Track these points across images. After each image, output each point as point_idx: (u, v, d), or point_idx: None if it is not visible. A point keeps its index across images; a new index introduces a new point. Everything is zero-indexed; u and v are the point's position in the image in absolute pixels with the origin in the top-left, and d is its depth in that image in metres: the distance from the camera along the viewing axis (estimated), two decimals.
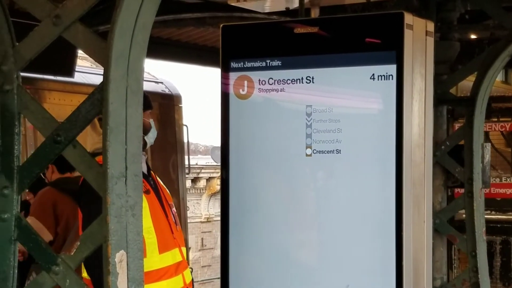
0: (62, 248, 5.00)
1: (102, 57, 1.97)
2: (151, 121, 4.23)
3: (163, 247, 4.03)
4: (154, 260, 3.98)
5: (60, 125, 2.05)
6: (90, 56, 2.06)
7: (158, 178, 4.38)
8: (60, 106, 7.25)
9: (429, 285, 3.43)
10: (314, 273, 3.31)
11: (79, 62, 7.85)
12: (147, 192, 4.05)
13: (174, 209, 4.33)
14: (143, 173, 4.12)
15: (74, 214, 5.02)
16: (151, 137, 4.21)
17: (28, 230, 2.12)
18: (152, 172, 4.33)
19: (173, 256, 4.09)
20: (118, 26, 1.94)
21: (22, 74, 2.15)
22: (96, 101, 2.00)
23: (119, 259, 1.97)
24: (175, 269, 4.09)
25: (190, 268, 4.40)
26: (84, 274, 3.89)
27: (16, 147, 2.13)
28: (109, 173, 1.96)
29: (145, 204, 3.95)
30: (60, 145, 2.05)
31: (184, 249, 4.26)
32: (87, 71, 8.34)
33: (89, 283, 3.78)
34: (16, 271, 2.14)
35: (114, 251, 1.97)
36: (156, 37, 7.97)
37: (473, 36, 6.93)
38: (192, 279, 4.36)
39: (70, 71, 7.18)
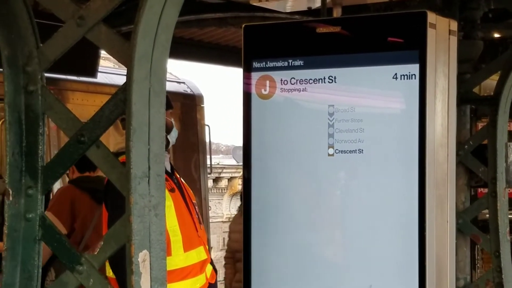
0: (80, 244, 5.09)
1: (125, 58, 1.98)
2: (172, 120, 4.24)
3: (188, 246, 4.04)
4: (180, 258, 3.99)
5: (83, 125, 2.06)
6: (113, 57, 2.07)
7: (180, 177, 4.40)
8: (83, 107, 7.29)
9: (452, 285, 3.41)
10: (337, 273, 3.30)
11: (101, 62, 7.88)
12: (172, 190, 4.06)
13: (197, 207, 4.35)
14: (167, 172, 4.13)
15: (91, 211, 5.11)
16: (173, 136, 4.22)
17: (53, 229, 2.13)
18: (175, 171, 4.35)
19: (198, 254, 4.10)
20: (141, 26, 1.95)
21: (46, 74, 2.17)
22: (119, 101, 2.01)
23: (142, 259, 1.98)
24: (200, 267, 4.10)
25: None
26: (109, 273, 3.91)
27: (40, 147, 2.14)
28: (132, 173, 1.97)
29: (170, 202, 3.97)
30: (84, 145, 2.06)
31: (207, 247, 4.28)
32: (109, 71, 8.38)
33: (114, 282, 3.80)
34: (41, 271, 2.16)
35: (137, 250, 1.98)
36: (178, 37, 7.99)
37: (496, 35, 6.87)
38: (215, 271, 4.34)
39: (93, 72, 7.22)
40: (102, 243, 2.05)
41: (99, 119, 2.04)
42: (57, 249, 2.11)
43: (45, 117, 2.14)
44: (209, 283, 4.18)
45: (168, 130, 4.04)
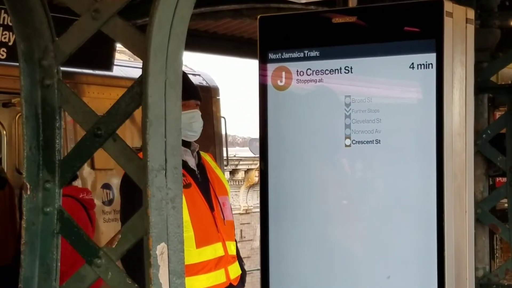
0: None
1: (140, 50, 1.97)
2: (194, 112, 4.17)
3: (202, 242, 4.01)
4: (191, 254, 3.96)
5: (100, 119, 2.06)
6: (129, 50, 2.07)
7: (216, 170, 4.34)
8: (99, 100, 7.30)
9: (471, 276, 3.40)
10: (355, 264, 3.29)
11: (117, 55, 7.89)
12: (186, 186, 4.03)
13: (226, 202, 4.27)
14: (188, 167, 4.11)
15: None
16: (198, 128, 4.16)
17: (71, 223, 2.14)
18: (206, 163, 4.29)
19: (214, 250, 4.06)
20: (157, 19, 1.94)
21: (62, 68, 2.17)
22: (135, 94, 2.01)
23: (160, 252, 1.98)
24: (215, 264, 4.06)
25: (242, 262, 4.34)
26: None
27: (57, 141, 2.15)
28: (149, 166, 1.96)
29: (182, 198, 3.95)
30: (101, 139, 2.06)
31: (231, 244, 4.20)
32: (125, 64, 8.38)
33: None
34: (59, 264, 2.17)
35: (155, 243, 1.98)
36: (193, 29, 7.98)
37: None
38: (244, 273, 4.30)
39: (108, 65, 7.23)
40: (120, 236, 2.05)
41: (115, 112, 2.04)
42: (75, 243, 2.11)
43: (61, 111, 2.14)
44: (230, 283, 4.14)
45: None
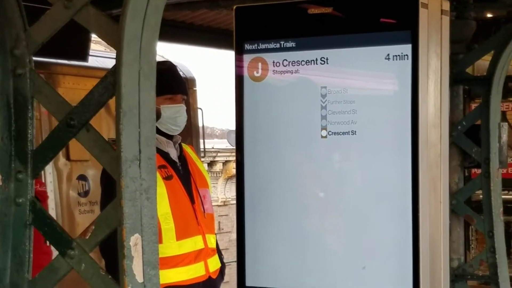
0: None
1: (114, 40, 1.96)
2: (180, 107, 4.13)
3: (182, 234, 4.00)
4: (172, 246, 3.95)
5: (73, 109, 2.04)
6: (102, 39, 2.05)
7: (197, 163, 4.32)
8: (75, 91, 7.25)
9: (446, 266, 3.42)
10: (330, 255, 3.30)
11: (93, 46, 7.83)
12: (168, 178, 4.02)
13: (207, 195, 4.25)
14: (170, 159, 4.09)
15: None
16: (181, 122, 4.14)
17: (43, 214, 2.12)
18: (188, 155, 4.28)
19: (194, 243, 4.05)
20: (130, 8, 1.92)
21: (36, 58, 2.14)
22: (108, 84, 1.99)
23: (134, 243, 1.97)
24: (195, 257, 4.04)
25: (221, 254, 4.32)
26: None
27: (29, 131, 2.12)
28: (123, 157, 1.95)
29: (163, 190, 3.92)
30: (74, 129, 2.04)
31: (211, 237, 4.19)
32: (101, 55, 8.33)
33: None
34: (32, 256, 2.15)
35: (129, 234, 1.96)
36: (170, 20, 7.94)
37: (489, 15, 6.85)
38: (223, 266, 4.29)
39: (84, 56, 7.17)
40: (93, 227, 2.04)
41: (88, 102, 2.02)
42: (48, 234, 2.09)
43: (34, 101, 2.12)
44: (209, 276, 4.13)
45: (156, 117, 3.93)
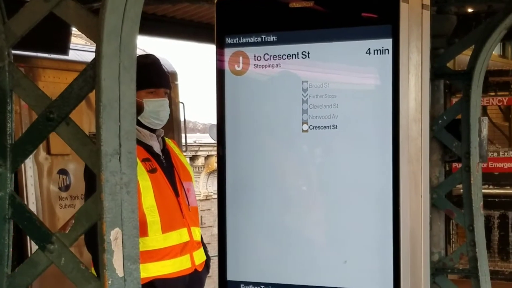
0: None
1: (93, 33, 1.95)
2: (162, 101, 4.12)
3: (167, 227, 3.99)
4: (157, 239, 3.95)
5: (52, 102, 2.03)
6: (82, 32, 2.04)
7: (180, 156, 4.32)
8: (55, 84, 7.21)
9: (427, 260, 3.43)
10: (312, 249, 3.30)
11: (73, 40, 7.79)
12: (152, 171, 4.01)
13: (191, 188, 4.25)
14: (154, 152, 4.08)
15: None
16: (164, 117, 4.13)
17: (23, 208, 2.11)
18: (171, 149, 4.27)
19: (180, 236, 4.05)
20: (110, 1, 1.91)
21: (16, 52, 2.13)
22: (88, 77, 1.98)
23: (114, 237, 1.96)
24: (181, 249, 4.04)
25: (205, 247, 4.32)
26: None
27: (8, 124, 2.11)
28: (103, 151, 1.94)
29: (148, 183, 3.92)
30: (53, 123, 2.03)
31: (196, 229, 4.19)
32: (81, 48, 8.29)
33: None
34: (11, 250, 2.13)
35: (109, 228, 1.96)
36: (151, 13, 7.92)
37: (470, 10, 6.88)
38: (208, 259, 4.29)
39: (64, 49, 7.14)
40: (73, 221, 2.03)
41: (68, 95, 2.01)
42: (28, 228, 2.08)
43: (13, 94, 2.11)
44: (195, 269, 4.13)
45: (139, 110, 3.93)
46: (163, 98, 4.10)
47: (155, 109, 4.04)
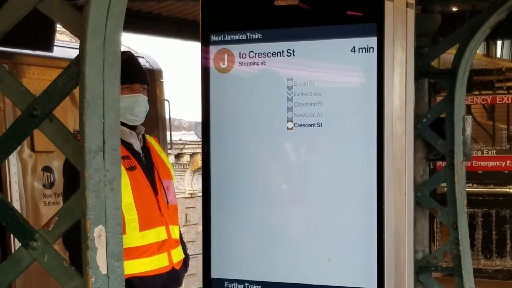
0: None
1: (78, 30, 1.94)
2: (137, 96, 4.11)
3: (145, 225, 3.98)
4: (135, 237, 3.93)
5: (36, 99, 2.01)
6: (66, 29, 2.03)
7: (161, 154, 4.30)
8: (40, 81, 7.18)
9: (411, 258, 3.44)
10: (297, 247, 3.31)
11: (58, 36, 7.76)
12: (131, 169, 3.99)
13: (170, 186, 4.23)
14: (134, 149, 4.06)
15: None
16: (141, 113, 4.11)
17: (5, 205, 2.09)
18: (151, 146, 4.25)
19: (157, 234, 4.04)
20: None
21: (0, 48, 2.11)
22: (72, 74, 1.97)
23: (97, 234, 1.95)
24: (158, 247, 4.03)
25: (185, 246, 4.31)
26: None
27: None
28: (87, 147, 1.93)
29: (126, 181, 3.90)
30: (37, 119, 2.01)
31: (175, 228, 4.18)
32: (66, 45, 8.26)
33: None
34: None
35: (93, 226, 1.95)
36: (136, 10, 7.90)
37: (454, 9, 6.91)
38: (187, 257, 4.28)
39: (49, 46, 7.11)
40: (56, 218, 2.02)
41: (52, 92, 1.99)
42: (10, 225, 2.06)
43: None
44: (173, 267, 4.12)
45: None
46: (138, 93, 4.07)
47: (130, 105, 4.01)
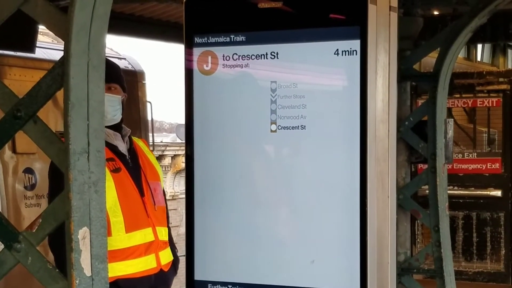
0: None
1: (62, 31, 1.93)
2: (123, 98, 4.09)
3: (131, 226, 3.97)
4: (120, 239, 3.92)
5: (20, 100, 2.01)
6: (50, 30, 2.02)
7: (148, 155, 4.28)
8: (21, 82, 7.15)
9: (393, 260, 3.46)
10: (280, 249, 3.31)
11: (40, 37, 7.73)
12: (116, 170, 3.98)
13: (158, 188, 4.22)
14: (119, 151, 4.05)
15: None
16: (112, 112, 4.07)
17: None
18: (139, 148, 4.23)
19: (144, 235, 4.03)
20: None
21: None
22: (57, 75, 1.96)
23: (82, 236, 1.95)
24: (146, 249, 4.02)
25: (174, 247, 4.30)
26: None
27: None
28: (71, 149, 1.93)
29: (111, 183, 3.89)
30: (20, 121, 2.01)
31: (162, 229, 4.16)
32: (48, 46, 8.22)
33: None
34: None
35: (77, 228, 1.94)
36: (118, 12, 7.87)
37: (436, 12, 6.96)
38: (176, 259, 4.26)
39: (31, 47, 7.08)
40: (40, 220, 2.01)
41: (36, 94, 1.99)
42: None
43: None
44: (161, 269, 4.11)
45: None
46: (106, 93, 4.02)
47: None
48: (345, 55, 3.13)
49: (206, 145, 3.38)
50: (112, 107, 4.05)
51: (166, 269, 4.13)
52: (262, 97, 3.28)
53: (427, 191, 5.25)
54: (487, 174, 10.01)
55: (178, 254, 4.38)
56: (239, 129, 3.34)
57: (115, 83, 4.12)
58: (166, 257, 4.14)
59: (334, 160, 3.21)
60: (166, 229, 4.21)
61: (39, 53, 7.54)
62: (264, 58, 3.28)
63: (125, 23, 8.08)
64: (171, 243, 4.26)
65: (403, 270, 5.39)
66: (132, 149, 4.16)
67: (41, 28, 7.25)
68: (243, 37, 3.31)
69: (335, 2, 3.20)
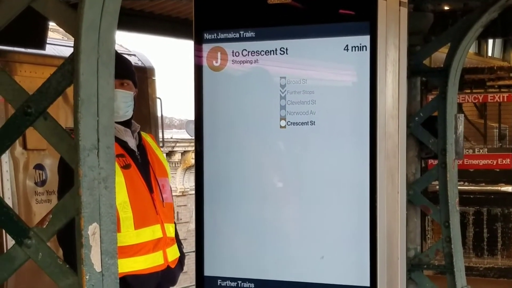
0: None
1: (72, 28, 1.93)
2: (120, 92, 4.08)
3: (140, 223, 3.97)
4: (130, 235, 3.93)
5: (30, 97, 2.01)
6: (60, 27, 2.03)
7: (157, 151, 4.28)
8: (32, 79, 7.16)
9: (403, 256, 3.46)
10: (289, 245, 3.32)
11: (50, 34, 7.74)
12: (126, 167, 3.98)
13: (166, 184, 4.22)
14: (128, 147, 4.05)
15: None
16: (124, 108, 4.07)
17: None
18: (147, 144, 4.23)
19: (153, 232, 4.03)
20: None
21: None
22: (66, 72, 1.97)
23: (92, 232, 1.96)
24: (154, 246, 4.02)
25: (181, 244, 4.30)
26: None
27: None
28: (81, 145, 1.93)
29: (121, 179, 3.89)
30: (31, 117, 2.01)
31: (170, 226, 4.17)
32: (58, 43, 8.24)
33: None
34: None
35: (87, 223, 1.95)
36: (128, 9, 7.88)
37: (446, 7, 6.92)
38: (182, 256, 4.27)
39: (41, 44, 7.09)
40: (51, 216, 2.02)
41: (46, 90, 1.99)
42: (4, 223, 2.06)
43: None
44: (168, 266, 4.12)
45: None
46: (116, 89, 4.02)
47: None
48: (355, 50, 3.13)
49: (215, 141, 3.39)
50: (125, 103, 4.05)
51: (173, 266, 4.14)
52: (271, 93, 3.28)
53: (437, 187, 5.23)
54: (497, 170, 9.98)
55: (189, 250, 4.38)
56: (248, 125, 3.35)
57: (127, 79, 4.11)
58: (173, 253, 4.14)
59: (343, 156, 3.21)
60: (174, 225, 4.22)
61: (49, 50, 7.56)
62: (273, 54, 3.28)
63: (134, 19, 8.08)
64: (177, 239, 4.27)
65: (413, 265, 5.38)
66: (141, 145, 4.16)
67: (51, 24, 7.27)
68: (252, 33, 3.30)
69: None
